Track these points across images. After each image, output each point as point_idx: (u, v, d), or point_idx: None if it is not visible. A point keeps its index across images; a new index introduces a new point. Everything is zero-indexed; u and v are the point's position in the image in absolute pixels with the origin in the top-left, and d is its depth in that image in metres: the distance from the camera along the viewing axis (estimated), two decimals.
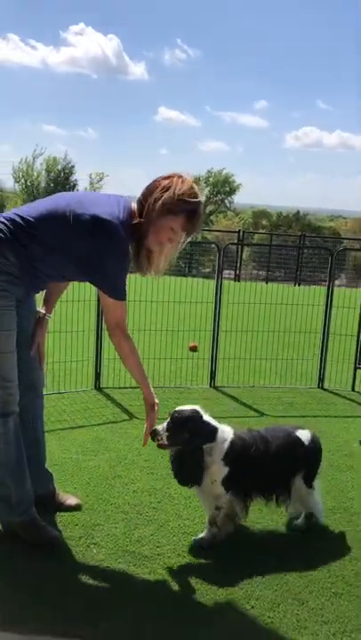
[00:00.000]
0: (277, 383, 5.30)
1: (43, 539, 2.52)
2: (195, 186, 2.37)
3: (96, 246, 2.30)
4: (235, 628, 2.13)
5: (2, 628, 2.06)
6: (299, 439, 2.75)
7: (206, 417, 2.59)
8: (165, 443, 2.53)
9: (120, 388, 4.83)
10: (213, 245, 13.80)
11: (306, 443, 2.76)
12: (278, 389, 5.13)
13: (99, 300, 4.69)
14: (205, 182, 42.47)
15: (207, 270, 16.64)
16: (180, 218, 2.35)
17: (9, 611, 2.14)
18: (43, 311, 2.69)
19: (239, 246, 14.47)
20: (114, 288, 2.39)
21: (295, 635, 2.13)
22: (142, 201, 2.38)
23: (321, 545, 2.71)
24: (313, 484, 2.78)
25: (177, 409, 2.58)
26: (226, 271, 5.19)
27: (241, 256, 14.75)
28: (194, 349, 6.03)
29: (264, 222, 37.37)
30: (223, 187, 42.55)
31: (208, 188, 42.61)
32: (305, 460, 2.75)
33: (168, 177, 2.37)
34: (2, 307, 2.37)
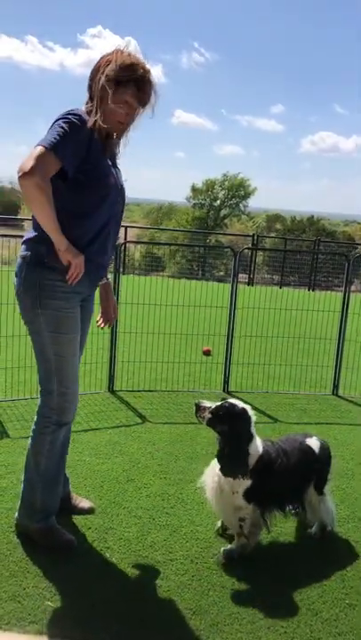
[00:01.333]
0: (291, 389, 5.27)
1: (58, 542, 2.52)
2: (137, 55, 2.32)
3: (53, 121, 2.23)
4: (247, 638, 2.11)
5: (14, 629, 2.06)
6: (310, 448, 2.74)
7: (252, 421, 2.54)
8: (206, 416, 2.50)
9: (133, 391, 4.83)
10: (227, 250, 13.77)
11: (316, 451, 2.74)
12: (292, 396, 5.10)
13: None
14: (220, 186, 42.49)
15: (220, 274, 16.62)
16: (130, 88, 2.29)
17: (23, 612, 2.14)
18: (103, 279, 2.67)
19: (253, 251, 14.42)
20: (46, 138, 2.17)
21: None
22: (90, 84, 2.33)
23: (335, 554, 2.68)
24: (323, 491, 2.76)
25: (231, 400, 2.55)
26: (239, 275, 5.17)
27: (255, 260, 14.70)
28: (207, 353, 6.02)
29: (278, 226, 37.29)
30: (238, 190, 42.50)
31: (223, 192, 42.61)
32: (316, 468, 2.74)
33: (109, 53, 2.32)
34: (64, 308, 2.35)
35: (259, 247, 16.36)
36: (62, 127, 2.20)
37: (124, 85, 2.28)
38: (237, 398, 4.86)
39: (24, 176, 2.10)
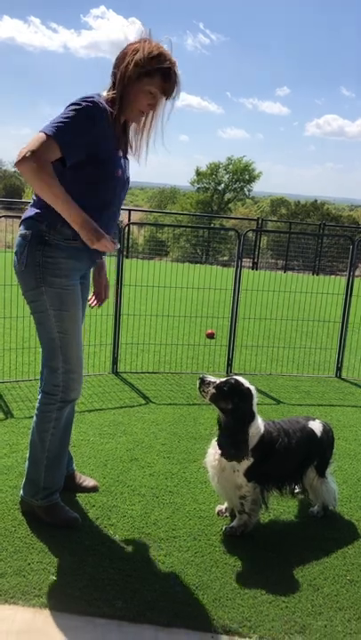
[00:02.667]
0: (295, 372, 5.28)
1: (63, 520, 2.55)
2: (164, 46, 2.30)
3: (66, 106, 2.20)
4: (249, 613, 2.14)
5: (20, 603, 2.09)
6: (312, 431, 2.75)
7: (255, 401, 2.54)
8: (207, 397, 2.49)
9: (137, 372, 4.85)
10: (232, 233, 13.70)
11: (319, 434, 2.75)
12: (295, 378, 5.11)
13: (117, 285, 4.70)
14: (225, 170, 42.20)
15: (225, 258, 16.57)
16: (155, 78, 2.27)
17: (28, 586, 2.17)
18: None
19: (258, 235, 14.36)
20: (51, 123, 2.13)
21: (310, 620, 2.13)
22: (115, 71, 2.31)
23: (337, 533, 2.71)
24: (325, 474, 2.77)
25: (237, 377, 2.53)
26: (243, 260, 5.16)
27: (259, 244, 14.64)
28: (211, 336, 6.03)
29: (283, 211, 37.08)
30: (243, 174, 42.20)
31: (227, 176, 42.33)
32: (318, 450, 2.75)
33: (136, 42, 2.30)
34: (66, 286, 2.35)
35: (263, 229, 16.29)
36: (70, 113, 2.17)
37: (151, 75, 2.26)
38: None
39: (20, 161, 2.08)
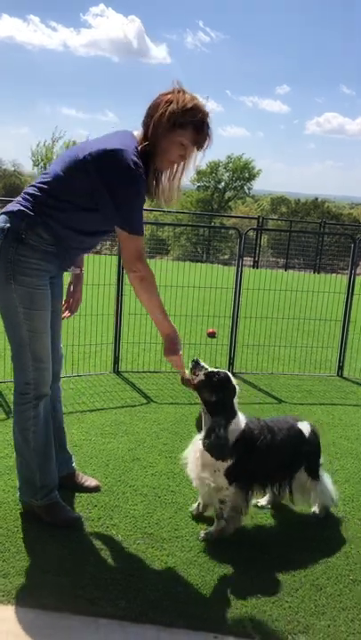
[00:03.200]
0: (296, 370, 5.27)
1: (64, 520, 2.55)
2: (198, 97, 2.31)
3: (107, 178, 2.23)
4: (252, 613, 2.14)
5: (23, 604, 2.09)
6: (301, 431, 2.72)
7: (236, 400, 2.53)
8: (194, 383, 2.49)
9: (138, 372, 4.85)
10: (232, 231, 13.68)
11: (307, 435, 2.73)
12: (297, 377, 5.10)
13: (118, 284, 4.70)
14: (225, 168, 42.15)
15: (225, 257, 16.56)
16: (188, 130, 2.27)
17: (30, 587, 2.17)
18: (76, 268, 2.70)
19: (258, 233, 14.35)
20: (128, 220, 2.28)
21: (313, 620, 2.13)
22: (147, 121, 2.31)
23: (339, 532, 2.70)
24: (318, 475, 2.75)
25: (226, 372, 2.53)
26: (244, 258, 5.15)
27: (260, 243, 14.63)
28: (212, 335, 6.02)
29: (283, 209, 37.03)
30: (243, 173, 42.16)
31: (227, 174, 42.28)
32: (307, 451, 2.72)
33: (169, 92, 2.30)
34: (37, 285, 2.36)
35: (264, 228, 16.27)
36: (137, 202, 2.28)
37: (183, 127, 2.27)
38: (242, 380, 4.88)
39: (133, 272, 2.35)
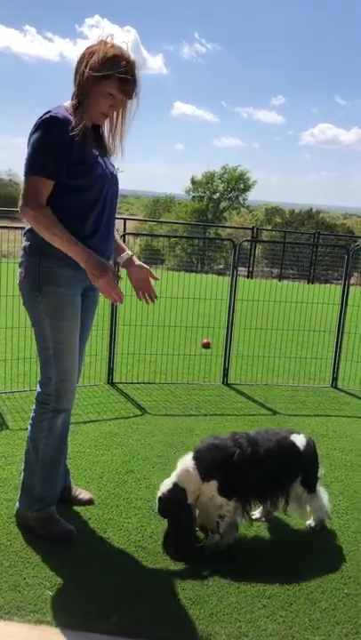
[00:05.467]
0: (291, 382, 5.28)
1: (58, 532, 2.53)
2: (122, 46, 2.31)
3: (31, 131, 2.27)
4: (246, 627, 2.13)
5: (15, 618, 2.07)
6: (293, 444, 2.70)
7: (174, 480, 2.54)
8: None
9: (133, 383, 4.84)
10: (226, 242, 13.72)
11: (301, 447, 2.71)
12: (291, 388, 5.11)
13: None
14: (220, 179, 42.38)
15: (220, 267, 16.60)
16: (113, 80, 2.27)
17: (23, 602, 2.15)
18: (125, 254, 2.61)
19: (253, 244, 14.40)
20: (27, 160, 2.24)
21: (308, 635, 2.12)
22: (75, 77, 2.33)
23: (334, 546, 2.70)
24: (315, 489, 2.75)
25: (161, 486, 2.57)
26: (238, 268, 5.17)
27: (254, 253, 14.68)
28: (207, 346, 6.02)
29: (277, 219, 37.21)
30: (237, 183, 42.39)
31: (222, 185, 42.50)
32: (300, 464, 2.71)
33: (93, 45, 2.31)
34: (64, 295, 2.35)
35: (258, 239, 16.34)
36: (35, 140, 2.23)
37: (108, 77, 2.27)
38: (236, 391, 4.87)
39: (23, 215, 2.24)
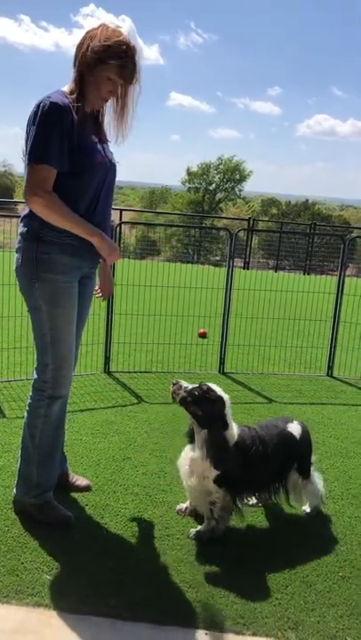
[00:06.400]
0: (286, 370, 5.30)
1: (56, 518, 2.55)
2: (122, 30, 2.29)
3: (28, 125, 2.25)
4: (243, 610, 2.15)
5: (14, 603, 2.09)
6: (291, 434, 2.72)
7: (228, 411, 2.51)
8: (181, 395, 2.47)
9: (129, 372, 4.85)
10: (223, 233, 13.71)
11: (298, 436, 2.73)
12: (287, 376, 5.13)
13: None
14: (216, 169, 42.24)
15: (216, 258, 16.59)
16: (112, 65, 2.26)
17: (21, 585, 2.17)
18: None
19: (249, 234, 14.39)
20: (31, 147, 2.22)
21: (303, 616, 2.15)
22: (74, 61, 2.31)
23: (329, 530, 2.73)
24: (310, 474, 2.77)
25: (210, 385, 2.52)
26: (235, 260, 5.18)
27: (250, 244, 14.68)
28: (203, 336, 6.04)
29: (273, 211, 37.17)
30: (233, 174, 42.27)
31: (218, 176, 42.36)
32: (298, 453, 2.73)
33: (94, 29, 2.30)
34: (62, 282, 2.35)
35: (255, 229, 16.32)
36: (42, 130, 2.21)
37: (107, 62, 2.25)
38: (233, 380, 4.90)
39: (32, 204, 2.25)
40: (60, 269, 2.34)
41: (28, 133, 2.26)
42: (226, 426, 2.49)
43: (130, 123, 2.39)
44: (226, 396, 2.52)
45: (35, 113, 2.24)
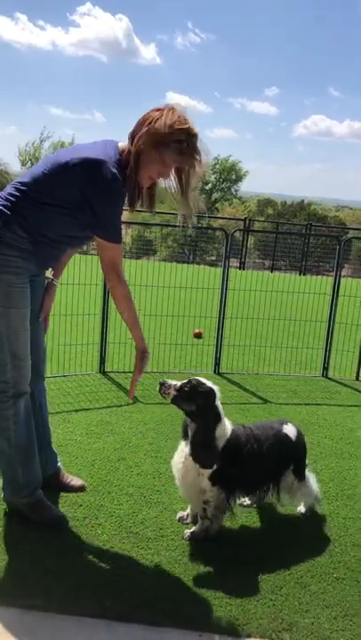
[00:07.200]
0: (282, 371, 5.30)
1: (48, 518, 2.54)
2: (187, 118, 2.28)
3: (87, 188, 2.24)
4: (237, 611, 2.15)
5: (7, 604, 2.08)
6: (287, 436, 2.72)
7: (218, 402, 2.51)
8: (172, 393, 2.46)
9: (125, 372, 4.84)
10: (218, 233, 13.72)
11: (293, 438, 2.73)
12: (282, 377, 5.13)
13: (105, 284, 4.69)
14: (212, 169, 42.20)
15: (212, 258, 16.59)
16: (170, 150, 2.26)
17: (15, 589, 2.16)
18: (51, 276, 2.67)
19: (245, 235, 14.40)
20: (107, 230, 2.32)
21: (297, 617, 2.15)
22: (133, 133, 2.31)
23: (323, 531, 2.73)
24: (304, 476, 2.77)
25: (198, 378, 2.51)
26: (231, 260, 5.18)
27: (246, 244, 14.69)
28: (199, 336, 6.03)
29: (269, 211, 37.20)
30: (229, 174, 42.29)
31: (215, 176, 42.36)
32: (293, 455, 2.73)
33: (159, 109, 2.30)
34: (16, 284, 2.35)
35: (251, 229, 16.34)
36: (115, 210, 2.31)
37: (166, 146, 2.25)
38: (228, 380, 4.90)
39: (113, 285, 2.42)
40: (12, 270, 2.33)
41: (89, 197, 2.25)
42: (218, 418, 2.49)
43: (194, 207, 2.41)
44: (216, 387, 2.51)
45: (104, 185, 2.24)
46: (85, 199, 2.25)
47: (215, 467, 2.48)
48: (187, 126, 2.27)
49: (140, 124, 2.29)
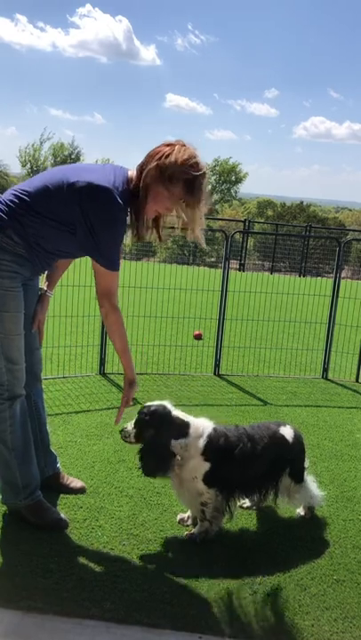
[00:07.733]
0: (282, 373, 5.31)
1: (48, 521, 2.54)
2: (197, 155, 2.30)
3: (89, 214, 2.25)
4: (237, 613, 2.15)
5: (7, 606, 2.08)
6: (283, 437, 2.72)
7: (176, 412, 2.54)
8: (132, 440, 2.54)
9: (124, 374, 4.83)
10: (218, 234, 13.76)
11: (290, 440, 2.73)
12: (282, 379, 5.14)
13: None
14: (212, 171, 42.28)
15: (212, 260, 16.60)
16: (178, 186, 2.27)
17: (15, 589, 2.16)
18: (45, 288, 2.68)
19: (244, 236, 14.41)
20: (106, 258, 2.33)
21: (297, 619, 2.15)
22: (142, 166, 2.32)
23: (324, 533, 2.73)
24: (303, 478, 2.77)
25: (145, 404, 2.57)
26: (230, 261, 5.19)
27: (246, 246, 14.70)
28: (199, 337, 6.04)
29: (269, 212, 37.21)
30: (229, 176, 42.35)
31: (214, 177, 42.42)
32: (290, 457, 2.73)
33: (170, 144, 2.31)
34: (9, 288, 2.36)
35: (250, 231, 16.35)
36: (114, 237, 2.31)
37: (174, 183, 2.26)
38: (228, 382, 4.90)
39: (105, 311, 2.46)
40: (7, 275, 2.34)
41: (91, 223, 2.26)
42: (181, 432, 2.51)
43: (202, 237, 2.42)
44: (165, 402, 2.60)
45: (107, 214, 2.25)
46: (86, 224, 2.26)
47: (208, 466, 2.50)
48: (199, 163, 2.28)
49: (151, 156, 2.30)
